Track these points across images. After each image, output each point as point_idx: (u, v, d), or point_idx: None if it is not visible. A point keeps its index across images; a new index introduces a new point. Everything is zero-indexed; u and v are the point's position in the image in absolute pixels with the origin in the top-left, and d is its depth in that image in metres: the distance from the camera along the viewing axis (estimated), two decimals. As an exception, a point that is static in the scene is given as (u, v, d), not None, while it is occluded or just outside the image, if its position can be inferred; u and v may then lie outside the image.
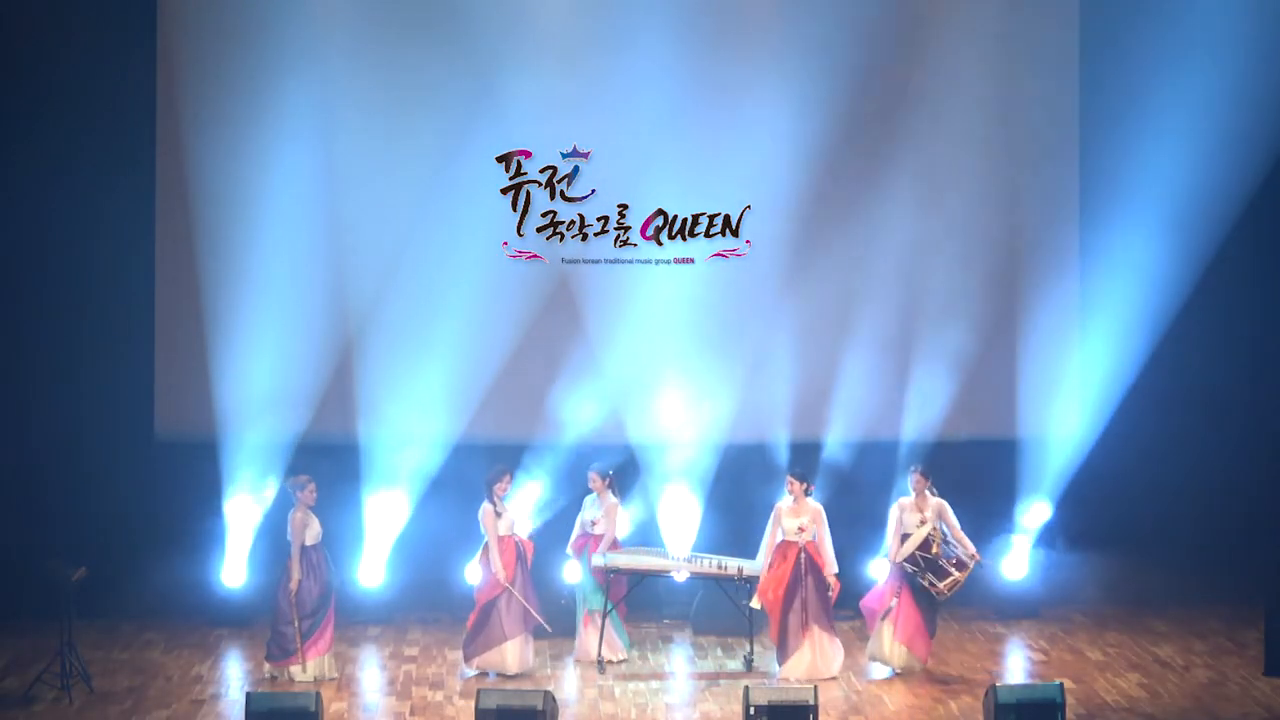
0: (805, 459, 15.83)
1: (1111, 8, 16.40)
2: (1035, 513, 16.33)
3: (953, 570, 14.11)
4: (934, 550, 14.12)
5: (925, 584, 14.11)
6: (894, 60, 16.22)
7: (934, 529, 14.19)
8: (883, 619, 14.32)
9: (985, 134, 16.42)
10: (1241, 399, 16.84)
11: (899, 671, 14.24)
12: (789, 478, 14.44)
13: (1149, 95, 16.30)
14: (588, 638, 14.64)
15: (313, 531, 14.06)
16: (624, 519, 15.04)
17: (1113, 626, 15.76)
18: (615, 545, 14.74)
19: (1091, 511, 16.52)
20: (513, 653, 14.19)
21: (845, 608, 15.09)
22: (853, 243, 16.29)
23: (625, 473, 15.73)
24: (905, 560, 14.18)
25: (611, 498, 14.77)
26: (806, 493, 14.40)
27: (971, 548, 14.28)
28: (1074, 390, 16.64)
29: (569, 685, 14.04)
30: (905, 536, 14.27)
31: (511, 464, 15.11)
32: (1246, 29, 16.18)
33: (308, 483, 14.15)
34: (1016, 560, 16.16)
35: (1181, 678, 14.27)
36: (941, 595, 14.17)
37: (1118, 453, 16.53)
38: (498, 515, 14.22)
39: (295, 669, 14.00)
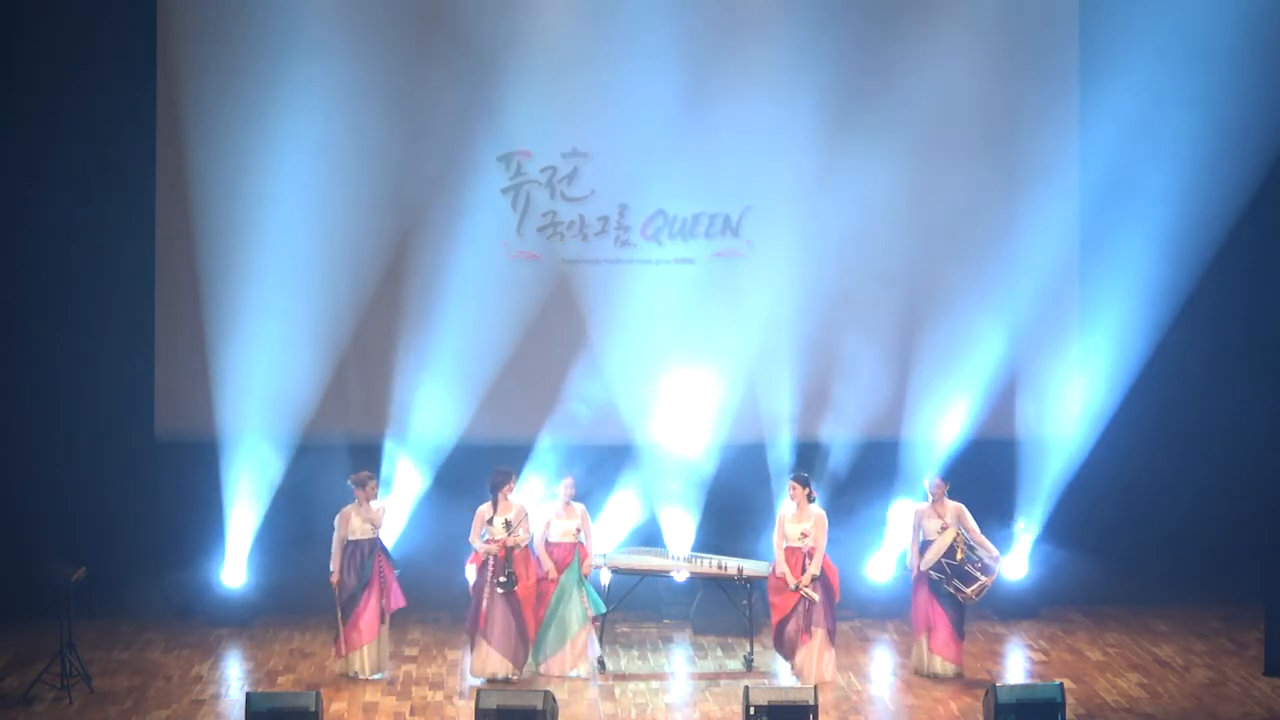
0: (805, 459, 15.83)
1: (1111, 9, 16.41)
2: (1034, 511, 16.35)
3: (979, 575, 14.01)
4: (959, 556, 14.00)
5: (952, 590, 14.01)
6: (894, 61, 16.22)
7: (958, 535, 14.04)
8: (925, 632, 14.16)
9: (985, 135, 16.43)
10: (1241, 399, 16.83)
11: (939, 677, 14.15)
12: (791, 483, 14.16)
13: (1149, 96, 16.30)
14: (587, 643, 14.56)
15: (355, 526, 14.07)
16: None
17: (1113, 626, 15.75)
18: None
19: (1091, 512, 16.51)
20: (474, 658, 14.14)
21: (845, 608, 15.09)
22: (852, 243, 16.29)
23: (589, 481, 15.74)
24: (931, 569, 14.03)
25: (578, 505, 14.67)
26: (809, 499, 14.15)
27: (994, 550, 14.16)
28: (1074, 391, 16.64)
29: (569, 685, 14.03)
30: (926, 544, 14.15)
31: (511, 464, 15.08)
32: (1246, 30, 16.18)
33: (368, 480, 14.21)
34: (1016, 560, 16.15)
35: (1181, 678, 14.26)
36: (969, 600, 14.09)
37: (1117, 453, 16.53)
38: (488, 521, 14.12)
39: (347, 659, 14.09)
